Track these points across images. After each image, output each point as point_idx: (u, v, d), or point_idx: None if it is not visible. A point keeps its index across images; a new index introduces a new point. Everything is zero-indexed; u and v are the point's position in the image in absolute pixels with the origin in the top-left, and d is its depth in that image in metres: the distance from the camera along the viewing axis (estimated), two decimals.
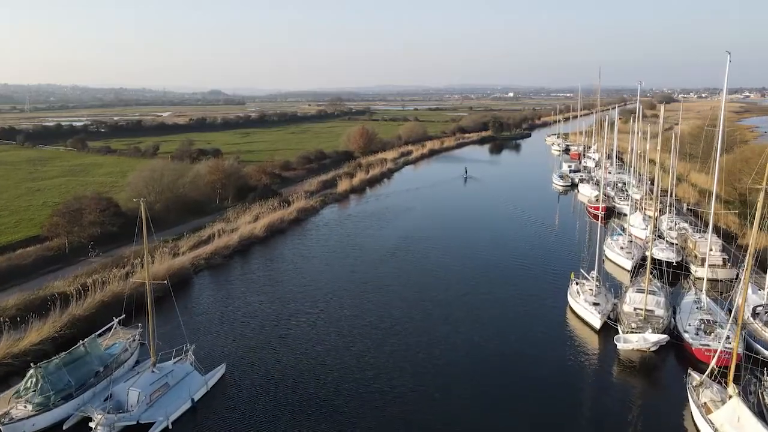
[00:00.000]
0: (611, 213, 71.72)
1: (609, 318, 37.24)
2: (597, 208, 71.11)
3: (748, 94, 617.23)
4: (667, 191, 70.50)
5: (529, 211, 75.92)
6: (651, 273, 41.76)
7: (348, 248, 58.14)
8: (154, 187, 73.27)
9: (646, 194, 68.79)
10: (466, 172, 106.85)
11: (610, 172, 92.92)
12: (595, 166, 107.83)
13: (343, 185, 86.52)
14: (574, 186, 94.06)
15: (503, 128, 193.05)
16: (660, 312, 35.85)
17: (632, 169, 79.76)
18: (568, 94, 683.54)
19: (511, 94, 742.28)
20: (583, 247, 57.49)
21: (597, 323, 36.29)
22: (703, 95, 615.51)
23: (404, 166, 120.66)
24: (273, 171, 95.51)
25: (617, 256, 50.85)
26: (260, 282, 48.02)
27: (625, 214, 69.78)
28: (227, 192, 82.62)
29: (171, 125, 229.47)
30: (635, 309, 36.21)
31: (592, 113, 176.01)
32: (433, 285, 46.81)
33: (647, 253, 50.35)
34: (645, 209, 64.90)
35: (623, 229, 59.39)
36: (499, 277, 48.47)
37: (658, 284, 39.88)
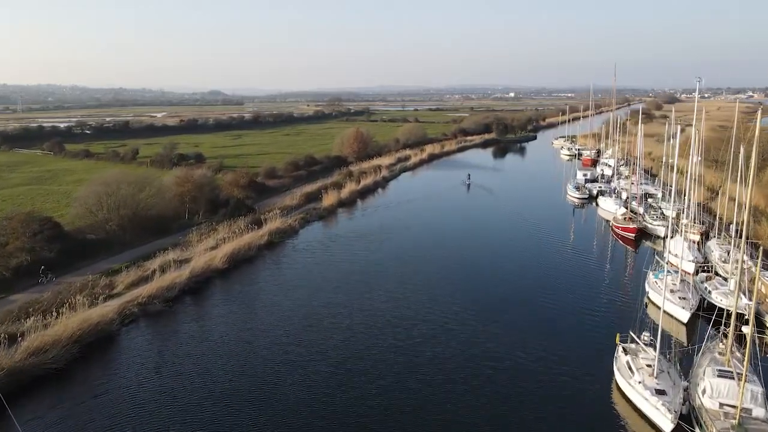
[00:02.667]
0: (643, 235, 60.64)
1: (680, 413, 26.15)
2: (626, 229, 60.12)
3: (751, 93, 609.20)
4: (705, 207, 59.79)
5: (542, 230, 64.99)
6: (720, 331, 31.00)
7: (326, 283, 47.24)
8: (108, 202, 62.82)
9: (685, 212, 57.65)
10: (469, 178, 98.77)
11: (633, 182, 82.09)
12: (613, 174, 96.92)
13: (329, 199, 75.39)
14: (591, 198, 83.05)
15: (507, 130, 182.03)
16: (760, 412, 24.61)
17: (656, 177, 69.16)
18: (569, 94, 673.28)
19: (512, 95, 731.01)
20: (618, 284, 46.58)
21: (667, 426, 25.24)
22: (706, 95, 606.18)
23: (401, 174, 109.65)
24: (253, 179, 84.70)
25: (667, 302, 39.31)
26: (206, 337, 36.99)
27: (660, 237, 58.98)
28: (198, 206, 72.16)
29: (160, 127, 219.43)
30: (722, 405, 25.16)
31: (597, 114, 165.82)
32: (427, 344, 36.07)
33: (707, 298, 39.88)
34: (686, 232, 53.71)
35: (659, 254, 48.46)
36: (512, 331, 37.55)
37: (738, 356, 28.78)
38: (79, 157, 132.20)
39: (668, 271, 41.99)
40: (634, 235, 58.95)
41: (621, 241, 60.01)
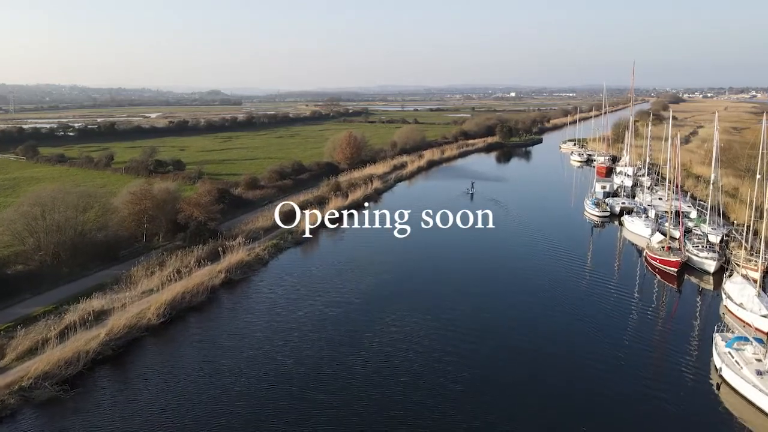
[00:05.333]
0: (684, 268, 49.44)
1: None
2: (666, 263, 48.87)
3: (754, 93, 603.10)
4: (752, 228, 48.96)
5: (557, 257, 54.15)
6: None
7: (290, 342, 36.63)
8: (41, 225, 52.27)
9: (741, 242, 46.77)
10: (472, 187, 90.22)
11: (662, 198, 71.30)
12: (634, 186, 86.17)
13: (310, 218, 64.50)
14: (613, 216, 72.08)
15: (512, 133, 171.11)
16: None
17: (682, 188, 57.99)
18: (570, 94, 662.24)
19: (513, 94, 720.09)
20: (667, 344, 35.75)
21: None
22: (709, 95, 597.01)
23: (396, 184, 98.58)
24: (228, 192, 73.97)
25: (752, 390, 27.78)
26: None
27: (710, 273, 47.96)
28: (158, 226, 61.84)
29: (148, 129, 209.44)
30: None
31: (602, 114, 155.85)
32: None
33: None
34: (744, 268, 42.86)
35: (712, 297, 37.53)
36: (528, 425, 27.07)
37: None
38: (52, 162, 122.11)
39: (747, 339, 31.18)
40: (676, 270, 47.96)
41: (659, 276, 48.97)
